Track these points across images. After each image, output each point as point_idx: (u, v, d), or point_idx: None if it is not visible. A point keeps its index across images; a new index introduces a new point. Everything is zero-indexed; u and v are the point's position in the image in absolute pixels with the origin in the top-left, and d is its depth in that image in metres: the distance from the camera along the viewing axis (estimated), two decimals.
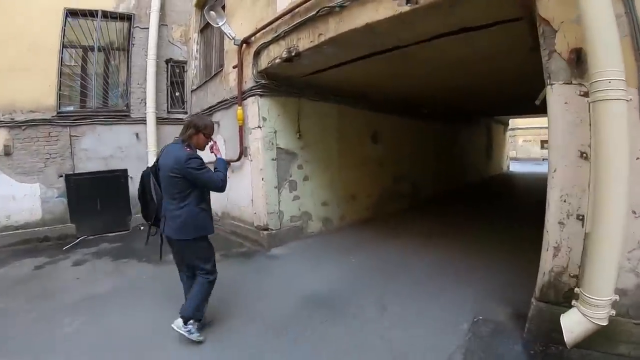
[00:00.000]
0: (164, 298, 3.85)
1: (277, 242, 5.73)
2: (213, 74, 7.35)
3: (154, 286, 4.26)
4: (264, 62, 5.33)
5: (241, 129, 6.03)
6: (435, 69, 5.21)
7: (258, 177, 5.73)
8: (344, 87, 6.48)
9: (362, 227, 6.90)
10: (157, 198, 2.95)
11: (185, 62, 8.59)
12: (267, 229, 5.69)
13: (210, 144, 3.04)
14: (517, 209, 8.56)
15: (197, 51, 8.24)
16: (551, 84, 2.40)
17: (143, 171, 3.07)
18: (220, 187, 2.84)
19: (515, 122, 24.80)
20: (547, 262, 2.60)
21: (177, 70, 8.53)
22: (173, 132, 8.20)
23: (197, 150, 2.92)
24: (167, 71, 8.31)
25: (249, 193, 6.08)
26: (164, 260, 5.25)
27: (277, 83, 5.66)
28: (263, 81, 5.54)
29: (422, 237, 6.02)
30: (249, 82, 5.73)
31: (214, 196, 3.08)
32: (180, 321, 2.91)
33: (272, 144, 5.67)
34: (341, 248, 5.56)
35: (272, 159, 5.66)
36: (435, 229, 6.59)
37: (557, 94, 2.38)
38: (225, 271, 4.32)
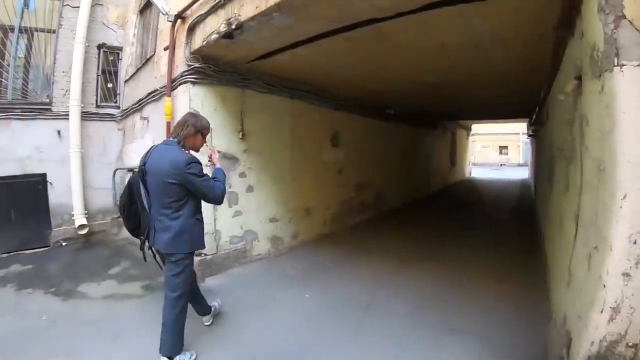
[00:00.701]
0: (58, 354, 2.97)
1: (214, 270, 4.73)
2: (145, 59, 6.25)
3: (49, 334, 3.31)
4: (198, 39, 4.33)
5: (169, 127, 4.97)
6: (412, 57, 4.46)
7: None
8: (301, 78, 5.61)
9: (319, 247, 6.02)
10: (149, 207, 2.71)
11: (121, 49, 7.50)
12: (199, 254, 4.66)
13: (208, 152, 2.97)
14: (494, 220, 8.15)
15: (134, 35, 7.00)
16: (620, 65, 1.65)
17: (131, 177, 2.80)
18: (220, 199, 2.72)
19: (474, 127, 25.56)
20: (600, 328, 1.85)
21: (111, 58, 7.57)
22: (102, 129, 7.27)
23: (194, 150, 2.81)
24: (99, 58, 7.30)
25: None
26: (73, 293, 4.34)
27: (216, 69, 4.67)
28: (197, 65, 4.52)
29: (394, 260, 5.25)
30: (180, 67, 4.69)
31: None
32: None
33: (206, 145, 4.64)
34: (293, 276, 4.66)
35: (205, 165, 4.61)
36: (408, 248, 5.89)
37: (629, 78, 1.63)
38: (145, 312, 3.70)
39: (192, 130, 2.71)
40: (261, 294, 4.12)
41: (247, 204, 5.12)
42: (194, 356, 2.84)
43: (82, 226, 6.61)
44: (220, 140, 4.76)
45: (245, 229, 5.15)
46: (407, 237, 6.64)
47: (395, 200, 9.91)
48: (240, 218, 5.05)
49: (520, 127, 26.06)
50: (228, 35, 3.78)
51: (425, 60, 4.56)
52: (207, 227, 4.64)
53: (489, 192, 13.66)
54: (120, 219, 6.42)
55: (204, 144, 2.88)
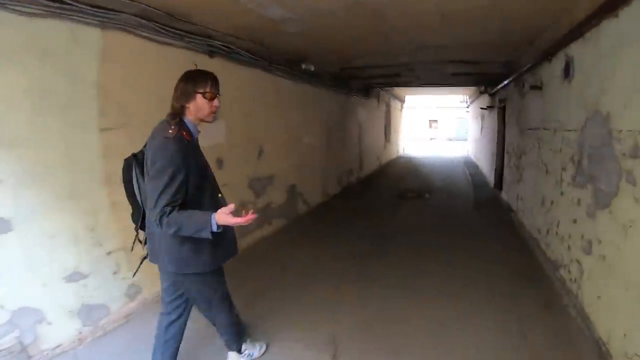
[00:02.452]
0: None
1: None
2: None
3: None
4: None
5: None
6: None
7: None
8: None
9: None
10: (142, 197, 2.13)
11: None
12: None
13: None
14: (461, 230, 6.13)
15: None
16: None
17: (125, 160, 2.16)
18: (161, 226, 1.85)
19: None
20: None
21: None
22: None
23: (204, 121, 2.11)
24: None
25: None
26: None
27: None
28: None
29: (314, 347, 2.91)
30: None
31: None
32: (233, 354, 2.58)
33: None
34: None
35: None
36: (344, 303, 3.60)
37: None
38: None
39: (185, 96, 1.98)
40: None
41: (1, 257, 2.41)
42: (264, 348, 2.74)
43: None
44: None
45: (13, 308, 2.48)
46: (338, 270, 4.34)
47: (317, 194, 7.68)
48: None
49: (452, 101, 25.41)
50: None
51: None
52: None
53: (435, 176, 11.90)
54: None
55: (213, 106, 2.00)
